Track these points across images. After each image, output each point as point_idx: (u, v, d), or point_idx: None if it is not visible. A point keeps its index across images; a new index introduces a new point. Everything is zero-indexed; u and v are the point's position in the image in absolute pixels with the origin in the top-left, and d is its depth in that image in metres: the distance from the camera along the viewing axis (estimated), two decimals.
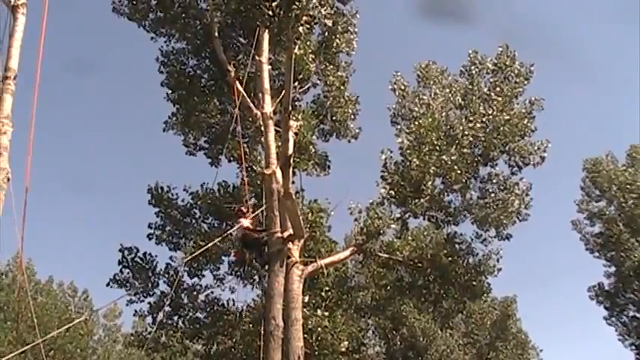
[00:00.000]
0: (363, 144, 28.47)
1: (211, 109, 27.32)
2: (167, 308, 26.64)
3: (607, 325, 46.67)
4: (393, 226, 24.81)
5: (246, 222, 20.45)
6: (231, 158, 27.06)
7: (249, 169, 24.26)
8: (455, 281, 25.93)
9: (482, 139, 24.23)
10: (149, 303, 26.54)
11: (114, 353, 59.33)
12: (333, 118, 26.88)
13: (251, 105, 23.62)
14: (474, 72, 25.62)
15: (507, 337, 51.63)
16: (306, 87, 26.01)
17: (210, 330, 27.05)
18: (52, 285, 51.87)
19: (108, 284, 26.27)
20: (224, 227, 26.53)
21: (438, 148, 23.75)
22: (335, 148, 28.24)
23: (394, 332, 46.76)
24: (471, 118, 24.38)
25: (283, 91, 19.12)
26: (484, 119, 24.32)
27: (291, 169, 19.25)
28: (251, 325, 25.91)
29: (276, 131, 22.02)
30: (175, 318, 27.08)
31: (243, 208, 21.44)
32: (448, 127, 24.40)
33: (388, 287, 29.88)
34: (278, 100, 22.75)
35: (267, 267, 20.93)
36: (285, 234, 20.16)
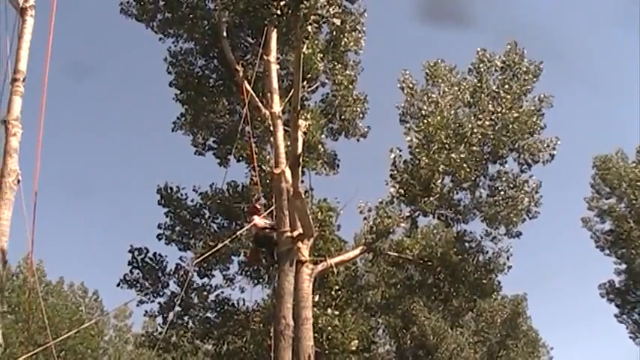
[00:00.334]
0: (371, 143, 28.46)
1: (220, 109, 27.33)
2: (177, 308, 26.70)
3: (618, 323, 46.56)
4: (402, 224, 24.81)
5: (258, 219, 20.42)
6: (240, 158, 27.04)
7: (258, 168, 24.24)
8: (465, 279, 25.91)
9: (492, 136, 24.20)
10: (159, 303, 26.60)
11: (125, 354, 59.48)
12: (342, 117, 26.86)
13: (260, 104, 23.62)
14: (482, 70, 25.58)
15: (518, 335, 51.54)
16: (314, 86, 25.99)
17: (220, 330, 27.08)
18: (62, 286, 52.01)
19: (118, 285, 26.36)
20: (233, 227, 26.56)
21: (447, 146, 23.73)
22: (344, 147, 28.24)
23: (404, 331, 46.69)
24: (480, 116, 24.36)
25: (292, 91, 19.10)
26: (493, 117, 24.30)
27: (300, 169, 19.21)
28: (261, 325, 25.96)
29: (285, 131, 22.01)
30: (186, 318, 27.14)
31: (257, 205, 21.38)
32: (457, 125, 24.37)
33: (398, 286, 29.95)
34: (287, 100, 22.73)
35: (276, 266, 20.94)
36: (295, 233, 20.13)
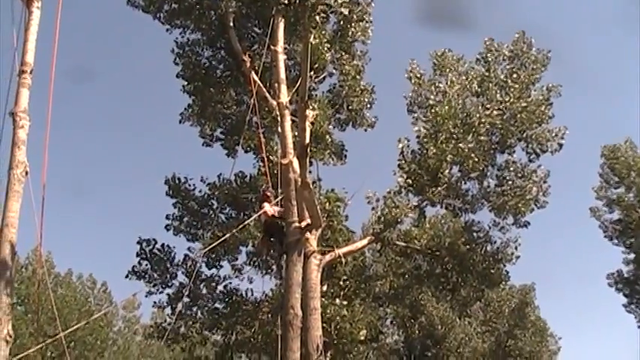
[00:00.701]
0: (379, 133, 28.42)
1: (227, 100, 27.33)
2: (186, 299, 26.79)
3: (626, 313, 46.47)
4: (410, 214, 24.80)
5: (268, 207, 20.40)
6: (248, 149, 27.09)
7: (265, 159, 24.23)
8: (473, 269, 25.90)
9: (500, 126, 24.12)
10: (168, 294, 26.71)
11: (133, 344, 59.67)
12: (349, 107, 26.82)
13: (267, 95, 23.61)
14: (490, 59, 25.48)
15: (526, 325, 51.52)
16: (321, 76, 25.92)
17: (229, 320, 27.14)
18: (71, 277, 52.10)
19: (127, 276, 26.45)
20: (241, 217, 26.56)
21: (454, 136, 23.67)
22: (351, 137, 28.21)
23: (412, 321, 46.71)
24: (488, 106, 24.26)
25: (299, 81, 19.07)
26: (501, 106, 24.20)
27: (308, 159, 19.19)
28: (269, 315, 26.02)
29: (293, 121, 21.99)
30: (194, 309, 27.24)
31: (267, 192, 21.34)
32: (465, 114, 24.28)
33: (406, 276, 29.94)
34: (294, 90, 22.68)
35: (285, 257, 20.95)
36: (303, 224, 20.13)
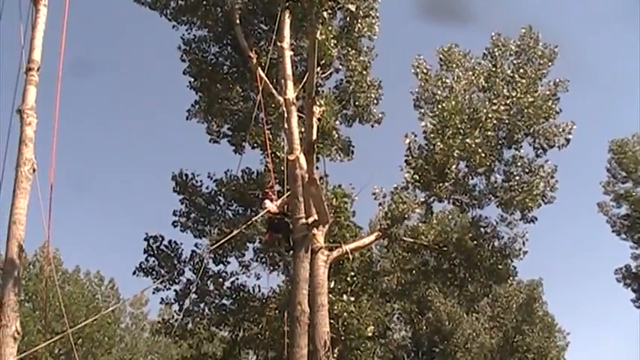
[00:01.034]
0: (386, 128, 28.38)
1: (234, 96, 27.32)
2: (193, 295, 26.82)
3: (635, 308, 46.39)
4: (417, 210, 24.80)
5: (270, 204, 20.39)
6: (255, 145, 27.08)
7: (272, 155, 24.24)
8: (480, 265, 25.90)
9: (507, 121, 24.12)
10: (175, 290, 26.73)
11: (141, 341, 59.76)
12: (356, 103, 26.81)
13: (273, 91, 23.62)
14: (497, 54, 25.48)
15: (534, 321, 51.33)
16: (328, 72, 25.92)
17: (236, 316, 27.16)
18: (78, 274, 52.17)
19: (134, 273, 26.47)
20: (248, 214, 26.58)
21: (461, 131, 23.64)
22: (358, 133, 28.18)
23: (420, 317, 46.65)
24: (495, 101, 24.26)
25: (306, 77, 19.05)
26: (508, 101, 24.19)
27: (314, 155, 19.20)
28: (277, 311, 26.03)
29: (299, 117, 22.02)
30: (201, 305, 27.26)
31: (268, 191, 21.37)
32: (472, 110, 24.27)
33: (413, 272, 29.91)
34: (301, 86, 22.70)
35: (292, 253, 20.96)
36: (310, 220, 20.16)
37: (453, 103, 23.94)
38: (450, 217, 28.78)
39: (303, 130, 21.45)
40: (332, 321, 21.45)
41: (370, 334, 26.02)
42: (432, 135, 23.95)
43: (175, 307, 27.45)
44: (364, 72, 26.65)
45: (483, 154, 23.56)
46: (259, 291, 27.52)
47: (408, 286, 33.99)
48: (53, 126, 13.82)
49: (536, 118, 24.35)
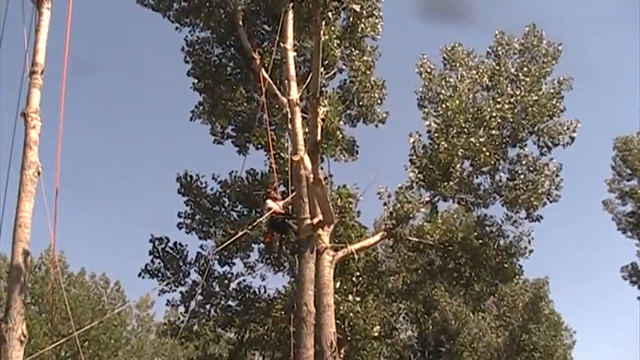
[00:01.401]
0: (390, 128, 28.34)
1: (237, 98, 27.34)
2: (199, 297, 26.82)
3: None
4: (422, 209, 24.81)
5: (272, 204, 20.37)
6: (259, 146, 27.10)
7: (276, 156, 24.25)
8: (486, 264, 25.87)
9: (511, 120, 24.08)
10: (181, 292, 26.76)
11: (147, 343, 59.80)
12: (360, 103, 26.81)
13: (277, 92, 23.62)
14: (500, 53, 25.45)
15: (540, 319, 51.18)
16: (332, 72, 25.91)
17: (242, 318, 27.18)
18: (84, 277, 52.22)
19: (140, 274, 26.49)
20: (253, 215, 26.57)
21: (466, 130, 23.63)
22: (362, 133, 28.17)
23: (426, 316, 46.63)
24: (499, 100, 24.22)
25: (309, 78, 19.03)
26: (512, 100, 24.16)
27: (319, 155, 19.19)
28: (283, 312, 26.02)
29: (303, 118, 22.00)
30: (207, 306, 27.28)
31: (270, 191, 21.35)
32: (476, 108, 24.25)
33: (419, 271, 29.91)
34: (304, 87, 22.70)
35: (297, 254, 20.96)
36: (315, 220, 20.16)
37: (457, 102, 23.93)
38: (455, 216, 28.78)
39: (307, 130, 21.44)
40: (338, 321, 21.43)
41: (376, 334, 25.99)
42: (436, 134, 23.94)
43: (181, 308, 27.56)
44: (368, 72, 26.65)
45: (488, 153, 23.53)
46: (265, 292, 27.61)
47: (414, 285, 33.97)
48: (57, 131, 13.84)
49: (541, 117, 24.31)
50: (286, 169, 23.53)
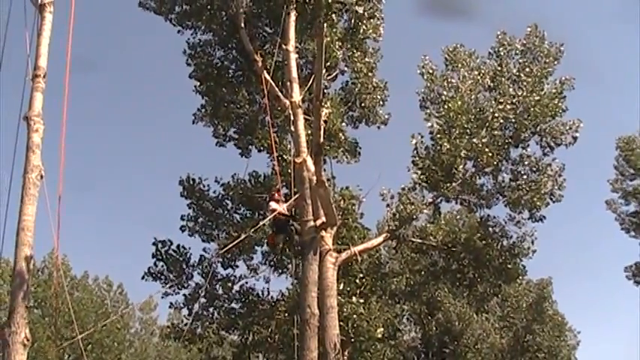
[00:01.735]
0: (392, 130, 28.34)
1: (240, 100, 27.35)
2: (202, 300, 26.81)
3: None
4: (425, 211, 24.82)
5: (276, 205, 20.34)
6: (261, 148, 27.11)
7: (279, 158, 24.25)
8: (489, 264, 25.86)
9: (513, 120, 24.07)
10: (184, 295, 26.73)
11: (151, 346, 59.86)
12: (362, 104, 26.81)
13: (279, 94, 23.61)
14: (502, 53, 25.44)
15: (544, 320, 51.21)
16: (334, 74, 25.90)
17: (245, 320, 27.16)
18: (87, 280, 52.28)
19: (143, 277, 26.49)
20: (256, 217, 26.57)
21: (468, 131, 23.63)
22: (364, 134, 28.17)
23: (429, 317, 46.63)
24: (501, 100, 24.22)
25: (311, 79, 19.01)
26: (514, 100, 24.16)
27: (322, 157, 19.19)
28: (286, 314, 25.99)
29: (306, 119, 22.00)
30: (211, 309, 27.25)
31: (274, 192, 21.34)
32: (478, 109, 24.26)
33: (422, 272, 29.93)
34: (306, 89, 22.71)
35: (300, 256, 20.94)
36: (318, 222, 20.14)
37: (459, 103, 23.93)
38: (458, 217, 28.80)
39: (309, 132, 21.44)
40: (341, 323, 21.42)
41: (380, 336, 25.97)
42: (438, 135, 23.94)
43: (184, 311, 27.53)
44: (370, 73, 26.64)
45: (490, 154, 23.52)
46: (268, 294, 27.57)
47: (417, 286, 34.01)
48: (60, 138, 13.84)
49: (543, 117, 24.30)
50: (289, 171, 23.51)
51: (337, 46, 24.76)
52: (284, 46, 23.13)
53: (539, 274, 51.60)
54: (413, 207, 24.01)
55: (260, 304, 27.26)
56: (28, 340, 11.37)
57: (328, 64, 24.50)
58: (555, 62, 25.18)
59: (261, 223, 23.18)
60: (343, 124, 26.57)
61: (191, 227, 27.59)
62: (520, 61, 25.26)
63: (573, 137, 24.74)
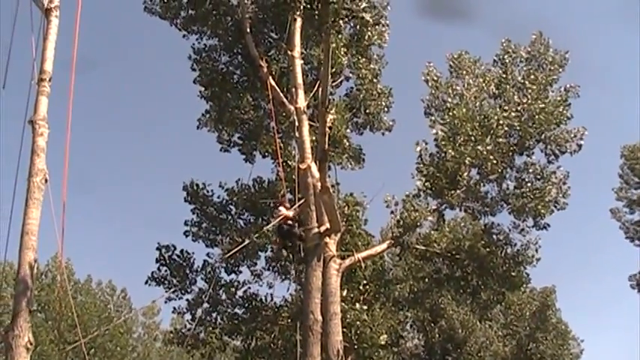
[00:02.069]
0: (397, 136, 28.35)
1: (244, 105, 27.36)
2: (205, 305, 26.76)
3: None
4: (429, 218, 24.80)
5: (284, 210, 20.34)
6: (266, 154, 27.11)
7: (283, 164, 24.27)
8: (493, 272, 25.82)
9: (518, 128, 24.05)
10: (187, 300, 26.71)
11: (153, 350, 59.84)
12: (367, 111, 26.82)
13: (284, 100, 23.62)
14: (507, 61, 25.43)
15: (547, 328, 51.07)
16: (338, 80, 25.95)
17: (248, 326, 27.11)
18: (90, 284, 52.35)
19: (146, 282, 26.47)
20: (260, 222, 26.57)
21: (472, 138, 23.60)
22: (369, 141, 28.18)
23: (432, 324, 46.50)
24: (506, 108, 24.22)
25: (316, 86, 19.02)
26: (519, 108, 24.15)
27: (327, 163, 19.21)
28: (289, 320, 25.97)
29: (310, 125, 22.01)
30: (214, 314, 27.20)
31: (283, 201, 21.35)
32: (482, 116, 24.22)
33: (426, 279, 29.85)
34: (311, 95, 22.73)
35: (304, 262, 20.93)
36: (322, 228, 20.14)
37: (464, 110, 23.93)
38: (462, 224, 28.79)
39: (314, 138, 21.45)
40: (345, 330, 21.40)
41: (383, 343, 25.95)
42: (443, 142, 23.93)
43: (188, 316, 27.46)
44: (374, 80, 26.68)
45: (495, 161, 23.51)
46: (272, 300, 27.51)
47: (421, 294, 33.89)
48: (65, 142, 13.87)
49: (548, 125, 24.27)
50: (293, 176, 23.53)
51: (342, 53, 24.82)
52: (289, 52, 23.19)
53: (542, 282, 51.52)
54: (417, 214, 24.00)
55: (263, 309, 27.21)
56: (31, 344, 11.38)
57: (333, 70, 24.50)
58: (560, 70, 25.18)
59: (264, 229, 23.21)
60: (348, 130, 26.62)
61: (195, 232, 27.57)
62: (525, 68, 25.26)
63: (578, 145, 24.71)
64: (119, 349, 48.20)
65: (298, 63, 23.22)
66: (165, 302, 27.50)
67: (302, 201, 20.88)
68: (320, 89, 18.11)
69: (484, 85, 25.12)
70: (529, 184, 24.76)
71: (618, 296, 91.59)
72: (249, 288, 27.62)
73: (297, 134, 22.40)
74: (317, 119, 20.07)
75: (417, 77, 26.11)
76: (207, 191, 27.78)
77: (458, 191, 24.13)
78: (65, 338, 36.02)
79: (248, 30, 25.26)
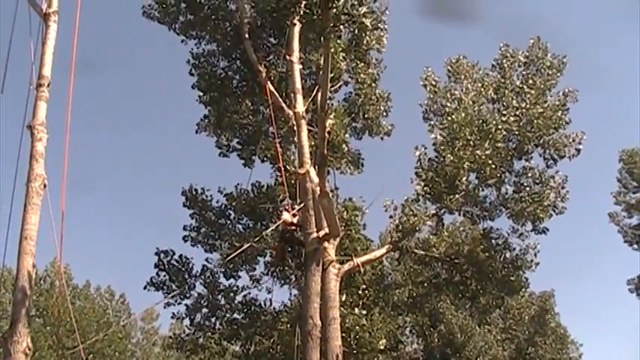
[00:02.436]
0: (396, 141, 28.36)
1: (243, 110, 27.37)
2: (204, 310, 26.76)
3: None
4: (428, 222, 24.81)
5: (287, 215, 20.34)
6: (265, 158, 27.12)
7: (282, 168, 24.27)
8: (492, 277, 25.80)
9: (516, 132, 24.07)
10: (186, 305, 26.69)
11: (152, 356, 59.75)
12: (365, 115, 26.86)
13: (283, 105, 23.64)
14: (505, 65, 25.44)
15: (546, 332, 51.09)
16: (337, 85, 25.93)
17: (247, 331, 27.08)
18: (89, 289, 52.26)
19: (145, 287, 26.44)
20: (259, 227, 26.58)
21: (471, 142, 23.63)
22: (368, 145, 28.20)
23: (432, 329, 46.46)
24: (504, 112, 24.24)
25: (315, 90, 19.02)
26: (517, 112, 24.17)
27: (326, 168, 19.22)
28: (289, 325, 25.92)
29: (309, 130, 22.02)
30: (213, 319, 27.17)
31: (288, 208, 21.37)
32: (481, 121, 24.23)
33: (425, 284, 29.82)
34: (310, 100, 22.74)
35: (303, 267, 20.94)
36: (321, 233, 20.14)
37: (463, 114, 23.94)
38: (461, 229, 28.81)
39: (312, 143, 21.45)
40: (344, 334, 21.38)
41: (382, 348, 25.91)
42: (441, 147, 23.97)
43: (186, 321, 27.42)
44: (373, 84, 26.71)
45: (494, 166, 23.54)
46: (271, 305, 27.49)
47: (420, 298, 33.87)
48: (64, 150, 13.87)
49: (546, 129, 24.30)
50: (292, 181, 23.53)
51: (341, 57, 24.78)
52: (288, 57, 23.20)
53: (541, 287, 51.54)
54: (416, 218, 24.00)
55: (262, 314, 27.20)
56: (29, 349, 11.37)
57: (332, 75, 24.50)
58: (558, 74, 25.18)
59: (263, 233, 23.21)
60: (347, 135, 26.60)
61: (194, 237, 27.56)
62: (523, 73, 25.27)
63: (576, 149, 24.74)
64: (118, 354, 48.08)
65: (297, 68, 23.23)
66: (165, 307, 27.50)
67: (301, 206, 20.90)
68: (319, 94, 18.13)
69: (482, 89, 25.14)
70: (528, 189, 24.79)
71: (617, 300, 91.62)
72: (249, 293, 27.62)
73: (296, 139, 22.40)
74: (316, 124, 20.10)
75: (416, 81, 26.17)
76: (206, 196, 27.77)
77: (457, 196, 24.12)
78: (64, 343, 35.96)
79: (247, 35, 25.28)
